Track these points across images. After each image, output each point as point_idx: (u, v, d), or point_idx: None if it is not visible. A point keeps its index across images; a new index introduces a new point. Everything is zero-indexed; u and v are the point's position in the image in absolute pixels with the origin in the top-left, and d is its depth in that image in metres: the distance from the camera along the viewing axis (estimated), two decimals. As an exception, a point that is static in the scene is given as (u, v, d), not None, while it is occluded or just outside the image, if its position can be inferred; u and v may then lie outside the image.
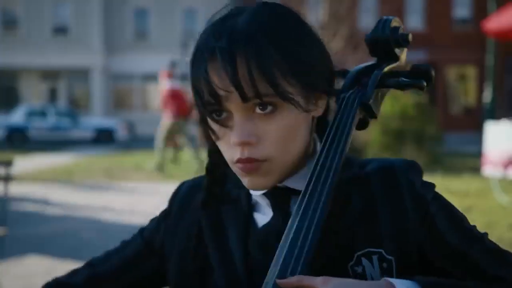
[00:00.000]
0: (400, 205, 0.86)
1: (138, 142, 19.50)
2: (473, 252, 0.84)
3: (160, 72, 12.38)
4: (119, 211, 6.82)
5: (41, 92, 26.39)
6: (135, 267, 1.02)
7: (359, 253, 0.84)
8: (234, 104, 0.80)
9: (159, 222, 1.03)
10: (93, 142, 19.00)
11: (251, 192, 0.92)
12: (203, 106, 0.82)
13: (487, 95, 13.43)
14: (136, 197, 7.92)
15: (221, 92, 0.79)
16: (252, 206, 0.93)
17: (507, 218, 5.76)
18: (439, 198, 0.88)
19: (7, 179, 3.35)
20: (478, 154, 12.96)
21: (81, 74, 25.88)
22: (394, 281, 0.77)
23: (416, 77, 0.94)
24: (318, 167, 0.84)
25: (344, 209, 0.86)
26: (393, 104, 12.30)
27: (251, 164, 0.82)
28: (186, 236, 0.97)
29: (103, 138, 19.19)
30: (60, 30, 25.82)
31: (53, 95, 26.22)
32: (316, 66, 0.85)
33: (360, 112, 0.91)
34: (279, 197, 0.89)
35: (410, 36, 0.95)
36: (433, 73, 0.95)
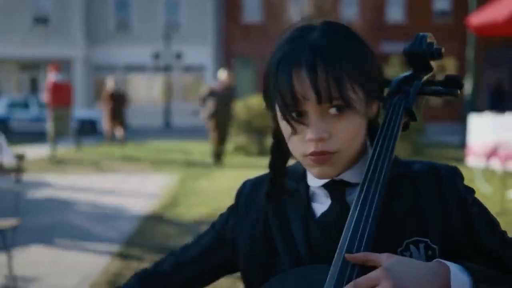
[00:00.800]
0: (445, 204, 1.00)
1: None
2: (505, 253, 0.99)
3: (48, 66, 12.58)
4: (113, 201, 6.93)
5: (21, 83, 26.15)
6: (211, 255, 1.16)
7: (408, 240, 0.99)
8: (311, 106, 0.94)
9: (228, 216, 1.17)
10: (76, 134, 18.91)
11: (310, 184, 1.07)
12: (285, 107, 0.95)
13: (468, 88, 13.70)
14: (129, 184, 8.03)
15: (302, 96, 0.93)
16: (310, 198, 1.08)
17: (490, 207, 5.96)
18: (478, 202, 1.03)
19: (19, 171, 3.45)
20: (459, 145, 13.30)
21: (63, 65, 25.68)
22: (446, 262, 0.92)
23: (450, 86, 1.10)
24: (373, 164, 0.99)
25: (395, 202, 1.01)
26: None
27: (324, 156, 0.96)
28: (253, 225, 1.11)
29: (86, 129, 19.13)
30: (41, 20, 25.56)
31: (33, 86, 26.01)
32: (374, 75, 1.00)
33: (404, 116, 1.06)
34: (336, 188, 1.03)
35: (443, 50, 1.10)
36: (463, 81, 1.10)
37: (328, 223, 1.03)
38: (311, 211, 1.06)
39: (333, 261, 0.94)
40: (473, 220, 1.00)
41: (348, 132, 0.96)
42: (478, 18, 8.32)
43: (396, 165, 1.04)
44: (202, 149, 13.41)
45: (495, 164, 7.58)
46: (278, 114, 1.00)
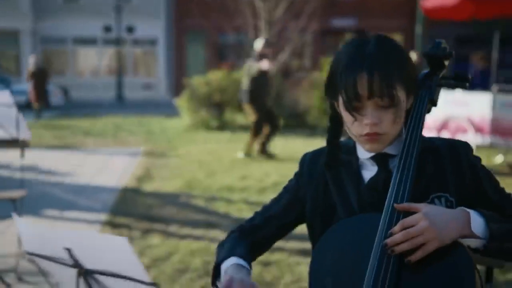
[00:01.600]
0: (460, 169, 1.39)
1: (75, 107, 19.33)
2: (505, 205, 1.38)
3: None
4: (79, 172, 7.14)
5: (-34, 56, 25.34)
6: (290, 210, 1.53)
7: (433, 195, 1.37)
8: (368, 101, 1.31)
9: (296, 180, 1.54)
10: (27, 108, 18.64)
11: (359, 156, 1.44)
12: (348, 101, 1.32)
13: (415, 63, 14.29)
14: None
15: (363, 93, 1.30)
16: (359, 166, 1.45)
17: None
18: (484, 167, 1.42)
19: (23, 146, 3.68)
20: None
21: (10, 37, 25.01)
22: (466, 208, 1.31)
23: (460, 80, 1.49)
24: (407, 141, 1.37)
25: (424, 168, 1.39)
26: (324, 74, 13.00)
27: (375, 136, 1.33)
28: (316, 186, 1.48)
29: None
30: (-14, -9, 24.70)
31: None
32: (412, 76, 1.37)
33: (428, 105, 1.44)
34: (381, 159, 1.41)
35: (453, 53, 1.49)
36: (469, 76, 1.50)
37: (375, 184, 1.40)
38: (361, 176, 1.44)
39: (384, 210, 1.32)
40: (482, 180, 1.39)
41: (393, 119, 1.34)
42: (430, 1, 8.87)
43: (423, 141, 1.42)
44: (160, 123, 13.58)
45: (445, 137, 8.21)
46: (341, 105, 1.36)
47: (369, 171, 1.44)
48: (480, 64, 15.93)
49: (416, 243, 1.23)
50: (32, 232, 1.25)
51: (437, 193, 1.38)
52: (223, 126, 12.40)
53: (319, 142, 7.59)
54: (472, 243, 1.27)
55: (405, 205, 1.30)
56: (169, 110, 16.95)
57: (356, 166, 1.45)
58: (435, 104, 1.48)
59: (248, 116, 9.15)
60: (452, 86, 1.51)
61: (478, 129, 7.72)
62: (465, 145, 1.43)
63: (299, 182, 1.53)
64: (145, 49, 26.91)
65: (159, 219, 5.09)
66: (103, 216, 5.15)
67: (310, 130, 12.14)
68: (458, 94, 7.95)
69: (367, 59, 1.30)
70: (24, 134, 3.30)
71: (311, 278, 1.37)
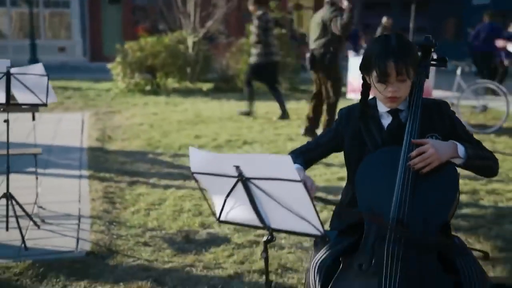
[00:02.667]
0: (443, 118, 2.24)
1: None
2: (470, 140, 2.23)
3: None
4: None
5: None
6: (332, 141, 2.35)
7: (428, 134, 2.22)
8: (393, 77, 2.13)
9: (337, 125, 2.36)
10: None
11: (379, 110, 2.27)
12: (381, 77, 2.13)
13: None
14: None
15: (391, 73, 2.11)
16: (379, 117, 2.28)
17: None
18: (457, 117, 2.29)
19: (35, 109, 4.22)
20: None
21: None
22: (454, 141, 2.17)
23: (442, 61, 2.35)
24: (414, 100, 2.21)
25: (422, 119, 2.23)
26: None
27: (395, 99, 2.17)
28: (352, 130, 2.30)
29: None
30: None
31: None
32: (417, 60, 2.21)
33: (424, 78, 2.30)
34: (395, 112, 2.25)
35: (436, 43, 2.34)
36: (447, 58, 2.37)
37: (392, 128, 2.24)
38: (381, 123, 2.27)
39: (403, 143, 2.15)
40: (456, 125, 2.26)
41: (406, 88, 2.17)
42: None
43: (424, 100, 2.27)
44: (91, 87, 13.78)
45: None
46: (374, 78, 2.17)
47: (386, 120, 2.27)
48: (387, 30, 17.24)
49: (427, 162, 2.08)
50: (201, 157, 1.96)
51: (430, 133, 2.24)
52: (156, 91, 12.90)
53: (257, 104, 8.67)
54: (457, 161, 2.15)
55: (418, 140, 2.15)
56: (91, 74, 17.07)
57: (377, 117, 2.28)
58: (427, 77, 2.33)
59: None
60: (437, 66, 2.37)
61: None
62: (445, 103, 2.31)
63: (339, 126, 2.35)
64: (59, 11, 26.26)
65: (137, 173, 5.74)
66: (85, 172, 5.71)
67: (240, 93, 12.91)
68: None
69: (392, 51, 2.12)
70: (52, 99, 3.84)
71: (360, 194, 2.18)
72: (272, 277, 3.32)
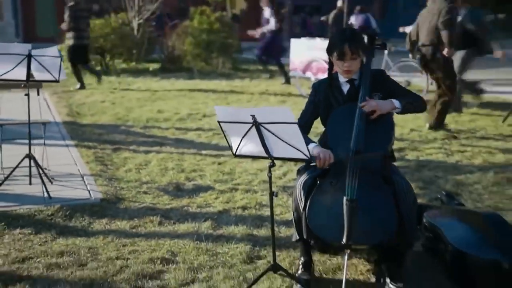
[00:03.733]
0: (382, 80, 3.30)
1: None
2: (405, 93, 3.30)
3: None
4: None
5: None
6: (314, 112, 3.34)
7: (373, 94, 3.26)
8: (348, 56, 3.15)
9: (311, 96, 3.36)
10: None
11: (340, 80, 3.30)
12: (339, 57, 3.15)
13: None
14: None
15: (346, 54, 3.14)
16: (341, 85, 3.31)
17: (301, 103, 8.78)
18: (392, 79, 3.36)
19: (38, 86, 4.99)
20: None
21: None
22: (392, 99, 3.22)
23: (383, 45, 3.42)
24: (364, 72, 3.26)
25: (371, 84, 3.28)
26: (201, 20, 14.63)
27: (349, 72, 3.21)
28: (323, 96, 3.31)
29: None
30: None
31: None
32: (364, 44, 3.26)
33: (370, 57, 3.35)
34: (351, 81, 3.28)
35: (378, 32, 3.41)
36: (386, 43, 3.44)
37: (350, 92, 3.28)
38: (342, 89, 3.31)
39: (358, 101, 3.20)
40: (392, 84, 3.33)
41: (358, 64, 3.22)
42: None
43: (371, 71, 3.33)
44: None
45: (309, 75, 10.44)
46: (335, 57, 3.20)
47: (345, 87, 3.31)
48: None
49: (373, 109, 3.13)
50: (229, 110, 2.90)
51: (375, 93, 3.28)
52: (107, 72, 13.51)
53: (198, 82, 10.12)
54: (396, 110, 3.21)
55: (368, 99, 3.20)
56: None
57: (339, 85, 3.32)
58: (373, 56, 3.38)
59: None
60: (379, 49, 3.43)
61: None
62: (383, 71, 3.38)
63: (314, 98, 3.35)
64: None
65: (116, 142, 6.57)
66: (70, 142, 6.48)
67: (187, 72, 13.74)
68: (318, 41, 10.15)
69: (347, 38, 3.15)
70: (63, 76, 4.64)
71: (329, 138, 3.20)
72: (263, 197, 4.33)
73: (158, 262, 3.44)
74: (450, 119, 7.90)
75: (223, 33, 14.64)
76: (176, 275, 3.26)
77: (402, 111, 3.18)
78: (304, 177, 3.17)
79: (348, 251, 2.88)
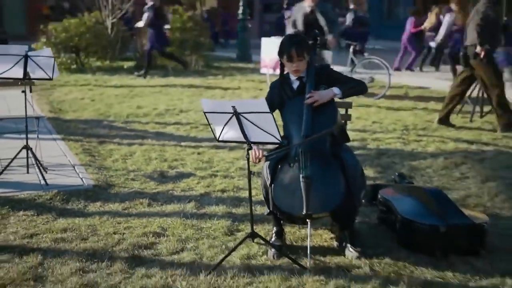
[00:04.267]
0: (327, 74, 3.88)
1: None
2: (347, 80, 3.90)
3: None
4: None
5: None
6: (273, 108, 3.81)
7: (319, 86, 3.83)
8: (295, 58, 3.73)
9: (269, 94, 3.93)
10: None
11: (291, 78, 3.87)
12: (288, 59, 3.73)
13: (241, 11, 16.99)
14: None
15: (294, 57, 3.71)
16: (291, 83, 3.88)
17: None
18: (335, 71, 3.98)
19: (29, 84, 5.43)
20: (236, 59, 16.74)
21: None
22: (333, 88, 3.80)
23: (324, 46, 4.11)
24: (309, 70, 3.85)
25: (316, 77, 3.84)
26: (174, 19, 15.09)
27: (298, 71, 3.79)
28: (278, 93, 3.87)
29: None
30: None
31: None
32: (309, 46, 3.83)
33: (314, 57, 3.95)
34: (300, 78, 3.86)
35: (318, 35, 4.04)
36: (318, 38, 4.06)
37: (299, 88, 3.87)
38: (292, 86, 3.90)
39: (305, 95, 3.78)
40: (334, 75, 3.92)
41: (304, 64, 3.81)
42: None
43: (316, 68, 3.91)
44: None
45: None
46: (285, 60, 3.78)
47: (295, 84, 3.89)
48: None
49: (316, 100, 3.70)
50: (213, 103, 3.44)
51: (320, 85, 3.85)
52: (82, 70, 13.86)
53: (172, 79, 10.90)
54: (338, 96, 3.79)
55: (313, 91, 3.77)
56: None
57: (290, 83, 3.89)
58: (316, 55, 3.97)
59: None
60: (321, 48, 4.03)
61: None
62: (328, 65, 4.00)
63: (271, 95, 3.91)
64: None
65: (100, 136, 7.03)
66: (57, 136, 6.92)
67: (161, 70, 14.17)
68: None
69: (294, 43, 3.73)
70: (56, 74, 5.10)
71: (285, 128, 3.77)
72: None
73: (151, 235, 3.96)
74: (409, 113, 8.58)
75: (196, 31, 15.13)
76: (167, 245, 3.79)
77: (343, 96, 3.79)
78: (269, 160, 3.74)
79: (309, 221, 3.46)
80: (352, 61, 10.99)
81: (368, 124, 7.81)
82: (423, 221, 3.60)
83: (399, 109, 9.09)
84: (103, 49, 14.59)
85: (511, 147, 6.60)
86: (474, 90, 8.41)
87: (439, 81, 12.42)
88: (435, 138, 7.00)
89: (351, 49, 11.08)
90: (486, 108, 8.26)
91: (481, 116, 8.25)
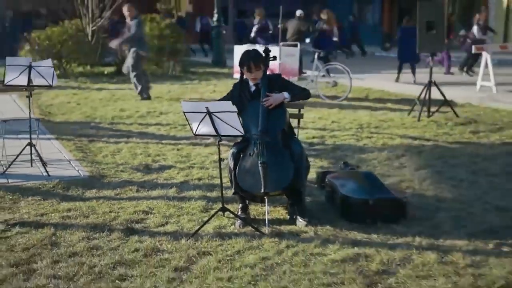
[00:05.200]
0: (279, 81, 4.86)
1: None
2: (294, 88, 4.88)
3: None
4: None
5: None
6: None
7: (273, 92, 4.80)
8: (253, 68, 4.70)
9: (231, 92, 4.92)
10: None
11: (250, 83, 4.85)
12: (247, 70, 4.71)
13: (216, 17, 17.88)
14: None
15: (252, 67, 4.69)
16: (250, 87, 4.85)
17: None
18: (286, 79, 5.00)
19: (31, 90, 6.29)
20: (211, 64, 17.66)
21: None
22: (283, 92, 4.76)
23: (273, 57, 5.01)
24: (265, 77, 4.82)
25: (268, 85, 4.79)
26: (152, 27, 15.96)
27: (256, 78, 4.78)
28: (237, 94, 4.85)
29: None
30: None
31: None
32: (264, 59, 4.81)
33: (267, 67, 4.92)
34: (256, 84, 4.83)
35: (270, 50, 5.01)
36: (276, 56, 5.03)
37: (255, 92, 4.85)
38: (250, 90, 4.89)
39: (260, 99, 4.75)
40: (285, 82, 4.93)
41: (261, 73, 4.80)
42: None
43: (268, 76, 4.88)
44: None
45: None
46: (245, 70, 4.76)
47: (252, 88, 4.86)
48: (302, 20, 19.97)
49: (271, 103, 4.68)
50: (191, 104, 4.36)
51: (273, 90, 4.81)
52: (65, 75, 14.64)
53: (151, 84, 11.98)
54: (287, 100, 4.75)
55: (268, 94, 4.74)
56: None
57: (249, 88, 4.87)
58: (268, 66, 4.93)
59: None
60: (272, 60, 4.98)
61: (272, 71, 11.64)
62: (279, 75, 5.02)
63: (232, 93, 4.88)
64: None
65: (89, 135, 7.90)
66: (51, 136, 7.77)
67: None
68: (258, 48, 11.70)
69: (251, 57, 4.71)
70: (55, 82, 5.98)
71: (244, 124, 4.70)
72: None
73: (140, 213, 4.88)
74: (366, 113, 9.61)
75: (172, 38, 16.02)
76: (154, 220, 4.71)
77: (291, 100, 4.78)
78: (233, 150, 4.72)
79: (266, 198, 4.43)
80: (317, 66, 12.01)
81: (328, 123, 8.81)
82: (356, 196, 4.59)
83: (357, 109, 10.12)
84: (84, 55, 15.38)
85: (448, 142, 7.66)
86: (423, 93, 9.47)
87: (399, 84, 13.52)
88: (384, 135, 8.02)
89: (316, 56, 12.10)
90: (433, 108, 9.32)
91: (429, 116, 9.31)
